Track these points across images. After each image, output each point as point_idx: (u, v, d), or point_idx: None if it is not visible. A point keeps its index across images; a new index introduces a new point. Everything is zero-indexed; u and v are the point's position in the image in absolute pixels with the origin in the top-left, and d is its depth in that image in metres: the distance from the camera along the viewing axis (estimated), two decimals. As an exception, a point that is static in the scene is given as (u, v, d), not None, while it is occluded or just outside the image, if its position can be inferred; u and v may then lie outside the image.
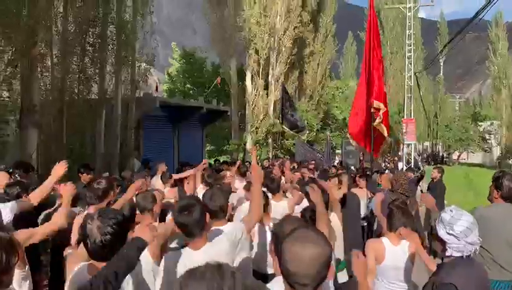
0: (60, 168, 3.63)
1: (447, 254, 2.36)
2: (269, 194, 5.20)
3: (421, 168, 28.92)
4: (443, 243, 2.37)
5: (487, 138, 44.30)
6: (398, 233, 3.38)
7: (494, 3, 10.19)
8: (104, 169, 10.44)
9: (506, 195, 3.30)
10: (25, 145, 8.22)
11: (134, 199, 3.76)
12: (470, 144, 42.06)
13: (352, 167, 12.82)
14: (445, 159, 43.98)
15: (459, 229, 2.30)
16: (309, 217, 3.40)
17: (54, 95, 9.02)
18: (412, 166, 20.55)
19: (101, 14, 10.02)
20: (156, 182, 6.95)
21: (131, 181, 7.87)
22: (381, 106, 7.39)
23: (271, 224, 3.84)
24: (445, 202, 9.74)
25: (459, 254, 2.33)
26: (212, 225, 3.01)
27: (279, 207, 4.90)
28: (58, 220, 3.10)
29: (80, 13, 9.51)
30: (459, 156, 44.95)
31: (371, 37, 7.33)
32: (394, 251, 3.39)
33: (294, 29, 21.01)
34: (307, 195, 4.28)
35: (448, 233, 2.33)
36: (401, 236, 3.37)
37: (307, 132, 24.63)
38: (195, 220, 2.47)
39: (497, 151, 49.93)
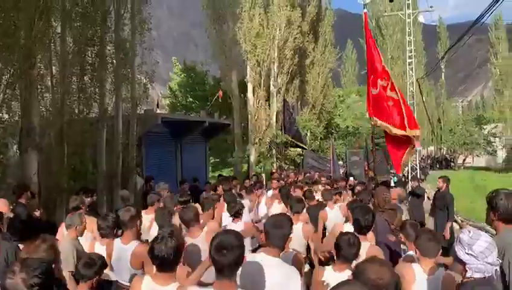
0: None
1: (468, 275, 2.32)
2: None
3: (428, 174, 28.70)
4: (463, 264, 2.34)
5: (492, 140, 43.98)
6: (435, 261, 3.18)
7: (497, 7, 10.13)
8: (107, 188, 10.37)
9: (505, 216, 2.97)
10: (25, 167, 8.15)
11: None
12: (475, 148, 41.77)
13: (351, 178, 12.60)
14: (450, 164, 43.65)
15: (478, 249, 2.28)
16: None
17: (53, 115, 8.95)
18: (419, 173, 20.37)
19: (99, 33, 9.99)
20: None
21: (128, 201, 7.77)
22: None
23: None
24: (454, 210, 9.59)
25: (479, 275, 2.29)
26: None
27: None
28: None
29: (78, 33, 9.49)
30: (464, 160, 44.62)
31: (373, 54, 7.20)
32: (425, 281, 3.11)
33: (294, 40, 21.04)
34: None
35: (468, 253, 2.30)
36: (436, 264, 3.17)
37: (310, 141, 24.55)
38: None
39: (502, 154, 49.57)
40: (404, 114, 7.14)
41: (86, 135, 9.71)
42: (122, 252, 3.85)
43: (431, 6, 23.50)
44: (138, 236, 4.19)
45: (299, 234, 4.80)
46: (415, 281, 3.11)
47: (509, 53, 55.05)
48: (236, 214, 5.15)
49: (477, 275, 2.28)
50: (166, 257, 2.56)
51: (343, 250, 3.16)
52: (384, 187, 5.83)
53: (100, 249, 4.02)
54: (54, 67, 9.31)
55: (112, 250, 3.91)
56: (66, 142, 8.97)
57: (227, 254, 2.22)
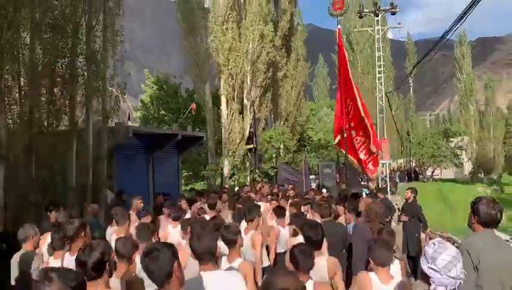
0: None
1: (431, 288, 2.34)
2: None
3: (397, 187, 29.35)
4: (427, 277, 2.34)
5: (458, 153, 45.41)
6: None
7: (460, 25, 10.59)
8: (77, 202, 10.11)
9: (484, 220, 3.27)
10: (-10, 181, 7.89)
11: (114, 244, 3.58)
12: (442, 160, 42.99)
13: (324, 190, 12.74)
14: (419, 176, 44.70)
15: (441, 263, 2.28)
16: None
17: (21, 128, 8.73)
18: (389, 185, 20.82)
19: (69, 44, 9.86)
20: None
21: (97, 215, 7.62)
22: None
23: None
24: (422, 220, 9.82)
25: (442, 288, 2.30)
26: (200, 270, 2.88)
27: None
28: None
29: (48, 44, 9.33)
30: (432, 172, 45.82)
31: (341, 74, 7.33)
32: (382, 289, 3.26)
33: (267, 54, 21.27)
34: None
35: (431, 267, 2.31)
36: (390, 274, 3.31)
37: (283, 154, 24.74)
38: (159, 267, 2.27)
39: (468, 166, 51.27)
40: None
41: (55, 147, 9.49)
42: (71, 265, 3.79)
43: (399, 23, 24.33)
44: None
45: (247, 243, 4.78)
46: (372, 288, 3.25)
47: (473, 69, 57.34)
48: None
49: (439, 289, 2.30)
50: (88, 265, 2.59)
51: (300, 262, 3.14)
52: (378, 201, 6.00)
53: (54, 263, 3.94)
54: (22, 79, 9.11)
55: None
56: (35, 155, 8.74)
57: (148, 261, 2.27)
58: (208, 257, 2.88)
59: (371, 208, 5.34)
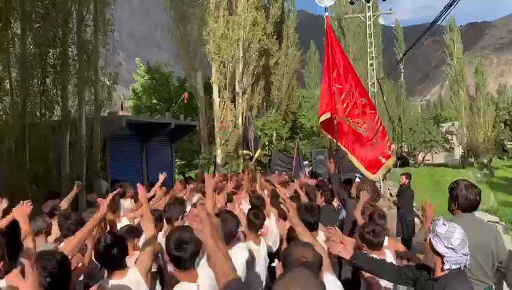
0: (22, 210, 3.42)
1: (446, 267, 2.39)
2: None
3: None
4: (441, 257, 2.39)
5: (449, 138, 45.75)
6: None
7: (452, 9, 10.64)
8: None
9: (463, 205, 3.26)
10: (-16, 173, 7.89)
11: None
12: (433, 145, 43.32)
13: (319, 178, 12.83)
14: (410, 161, 45.03)
15: (456, 242, 2.34)
16: None
17: (14, 119, 8.69)
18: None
19: (61, 34, 9.77)
20: (125, 202, 6.82)
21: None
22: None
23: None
24: (414, 204, 10.02)
25: (456, 266, 2.37)
26: None
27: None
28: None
29: (39, 34, 9.25)
30: (423, 157, 46.19)
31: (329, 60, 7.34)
32: None
33: (259, 41, 21.18)
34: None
35: (447, 247, 2.35)
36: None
37: (276, 142, 24.82)
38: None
39: (459, 151, 51.75)
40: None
41: (48, 138, 9.47)
42: None
43: (390, 9, 24.36)
44: None
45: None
46: None
47: (464, 54, 57.45)
48: None
49: (454, 267, 2.36)
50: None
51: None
52: (366, 183, 6.11)
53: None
54: (13, 70, 9.04)
55: None
56: (28, 147, 8.72)
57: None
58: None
59: (360, 190, 5.48)
